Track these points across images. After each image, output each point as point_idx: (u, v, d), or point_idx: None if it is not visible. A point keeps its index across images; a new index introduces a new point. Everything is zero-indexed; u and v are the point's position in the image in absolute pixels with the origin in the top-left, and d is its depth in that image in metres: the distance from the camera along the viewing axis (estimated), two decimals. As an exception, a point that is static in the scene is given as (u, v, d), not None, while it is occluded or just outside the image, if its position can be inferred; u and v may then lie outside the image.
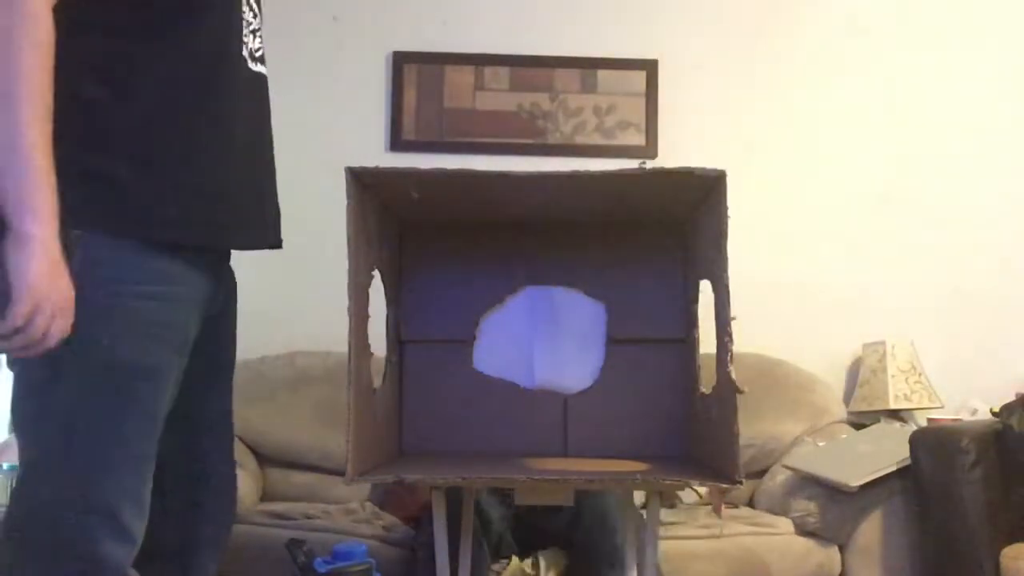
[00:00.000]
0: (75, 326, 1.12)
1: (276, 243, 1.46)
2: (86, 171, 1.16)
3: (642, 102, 3.25)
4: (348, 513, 2.46)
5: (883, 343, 3.01)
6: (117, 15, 1.19)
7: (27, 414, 1.18)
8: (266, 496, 2.77)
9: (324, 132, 3.14)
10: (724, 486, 1.28)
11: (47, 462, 1.17)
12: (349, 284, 1.34)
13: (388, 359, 1.62)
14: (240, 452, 2.76)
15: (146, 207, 1.19)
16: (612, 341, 1.62)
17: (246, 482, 2.65)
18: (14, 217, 1.06)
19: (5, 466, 2.68)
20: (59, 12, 1.12)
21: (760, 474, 2.77)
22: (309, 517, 2.40)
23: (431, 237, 1.66)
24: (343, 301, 1.33)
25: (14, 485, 1.19)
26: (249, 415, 2.86)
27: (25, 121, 1.04)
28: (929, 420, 2.80)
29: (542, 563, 2.13)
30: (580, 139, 3.23)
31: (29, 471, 1.18)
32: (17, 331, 1.09)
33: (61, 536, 1.14)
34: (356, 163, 1.36)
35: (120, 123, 1.18)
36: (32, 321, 1.08)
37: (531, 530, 2.22)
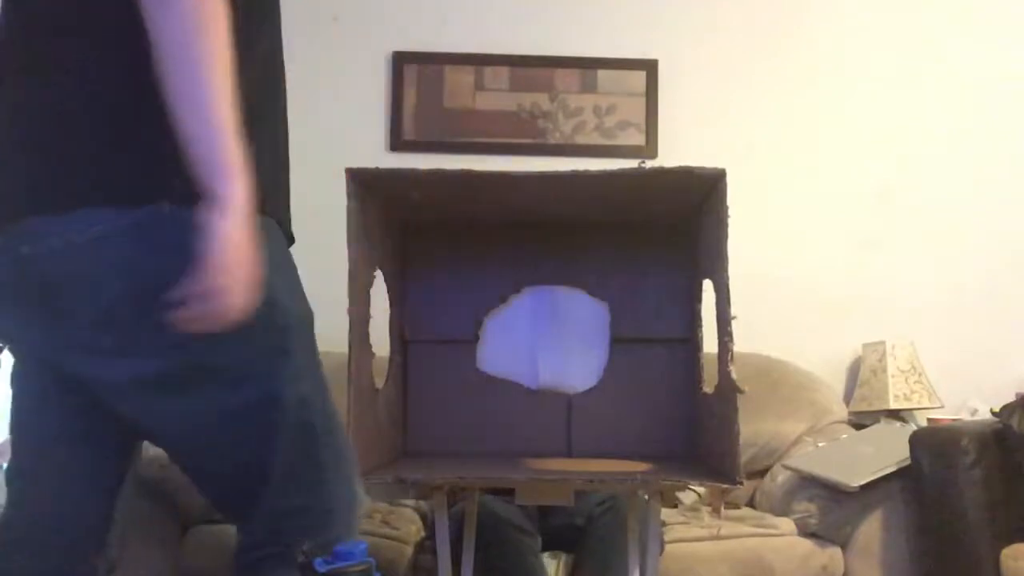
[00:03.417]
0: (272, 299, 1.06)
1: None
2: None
3: (642, 102, 3.25)
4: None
5: (883, 343, 3.01)
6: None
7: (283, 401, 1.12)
8: (266, 496, 2.76)
9: (324, 132, 3.14)
10: (725, 486, 1.28)
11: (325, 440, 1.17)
12: (350, 285, 1.34)
13: (392, 359, 1.62)
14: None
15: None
16: (615, 340, 1.62)
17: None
18: (216, 182, 0.98)
19: (5, 466, 2.68)
20: None
21: (761, 474, 2.77)
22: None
23: (433, 237, 1.66)
24: (344, 302, 1.34)
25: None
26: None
27: (223, 97, 0.98)
28: (929, 420, 2.80)
29: (547, 565, 2.13)
30: (580, 139, 3.23)
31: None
32: (203, 296, 0.97)
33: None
34: (356, 163, 1.36)
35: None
36: (222, 289, 0.97)
37: (540, 532, 2.22)
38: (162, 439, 1.17)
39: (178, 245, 0.98)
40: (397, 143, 3.21)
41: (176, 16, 0.96)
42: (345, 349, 1.38)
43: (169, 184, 1.01)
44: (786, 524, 2.39)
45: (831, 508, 2.35)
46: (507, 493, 2.21)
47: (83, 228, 1.01)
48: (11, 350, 1.19)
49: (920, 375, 2.98)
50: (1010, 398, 2.42)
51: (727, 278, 1.32)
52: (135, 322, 1.03)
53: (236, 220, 0.97)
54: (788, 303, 3.15)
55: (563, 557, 2.15)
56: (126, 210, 1.02)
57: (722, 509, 2.42)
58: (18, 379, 1.21)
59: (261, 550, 1.19)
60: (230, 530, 2.38)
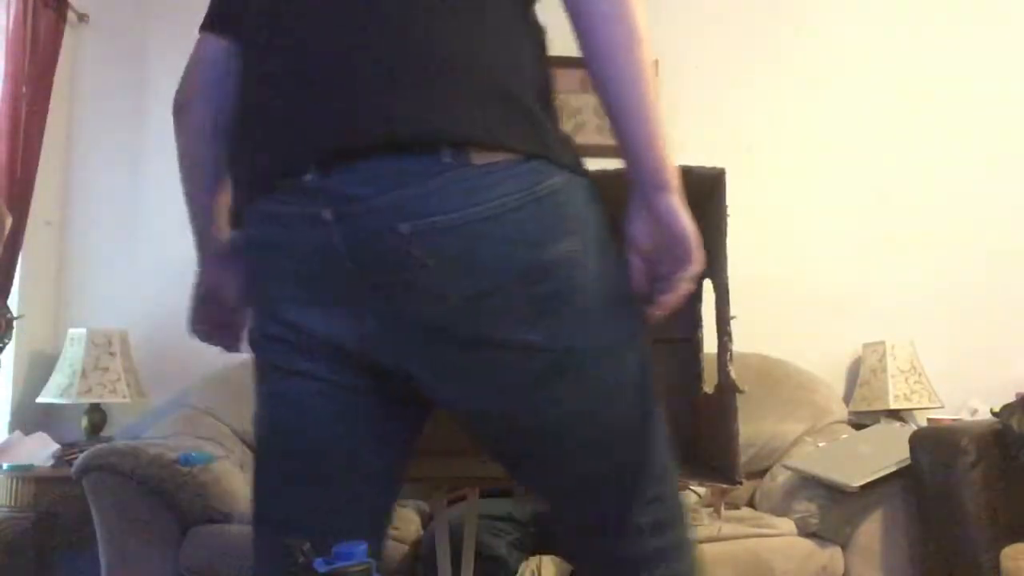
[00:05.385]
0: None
1: None
2: None
3: (642, 102, 3.25)
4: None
5: (883, 343, 3.01)
6: None
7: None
8: (266, 496, 2.76)
9: (324, 132, 3.14)
10: (725, 486, 1.28)
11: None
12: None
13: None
14: (240, 452, 2.76)
15: None
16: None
17: (246, 482, 2.65)
18: (667, 170, 1.02)
19: (5, 466, 2.68)
20: None
21: (761, 474, 2.77)
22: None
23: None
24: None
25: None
26: (251, 415, 2.86)
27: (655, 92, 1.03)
28: (929, 420, 2.80)
29: (543, 568, 2.13)
30: (580, 139, 3.20)
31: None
32: (683, 276, 1.01)
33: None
34: (357, 163, 1.35)
35: None
36: (695, 268, 1.01)
37: (539, 534, 2.22)
38: (547, 434, 1.01)
39: (587, 217, 0.98)
40: (397, 143, 3.20)
41: (624, 31, 1.01)
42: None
43: (562, 151, 0.99)
44: (786, 524, 2.39)
45: (831, 508, 2.35)
46: (506, 494, 2.21)
47: (486, 193, 0.92)
48: (275, 343, 1.02)
49: (920, 375, 2.98)
50: (1010, 398, 2.42)
51: (727, 278, 1.32)
52: (561, 302, 0.96)
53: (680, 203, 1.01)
54: (788, 303, 3.15)
55: (560, 564, 2.15)
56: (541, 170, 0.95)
57: (722, 509, 2.43)
58: (283, 380, 1.04)
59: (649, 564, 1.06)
60: (231, 530, 2.40)
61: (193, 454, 2.43)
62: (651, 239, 1.02)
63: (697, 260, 1.01)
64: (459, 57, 0.95)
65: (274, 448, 1.07)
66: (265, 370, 1.06)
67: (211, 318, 1.21)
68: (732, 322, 1.30)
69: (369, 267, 0.93)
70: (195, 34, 1.19)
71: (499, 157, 0.92)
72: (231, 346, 1.22)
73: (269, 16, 1.02)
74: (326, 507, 1.04)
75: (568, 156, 0.99)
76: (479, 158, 0.92)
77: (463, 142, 0.91)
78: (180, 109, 1.18)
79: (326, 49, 0.96)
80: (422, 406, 1.08)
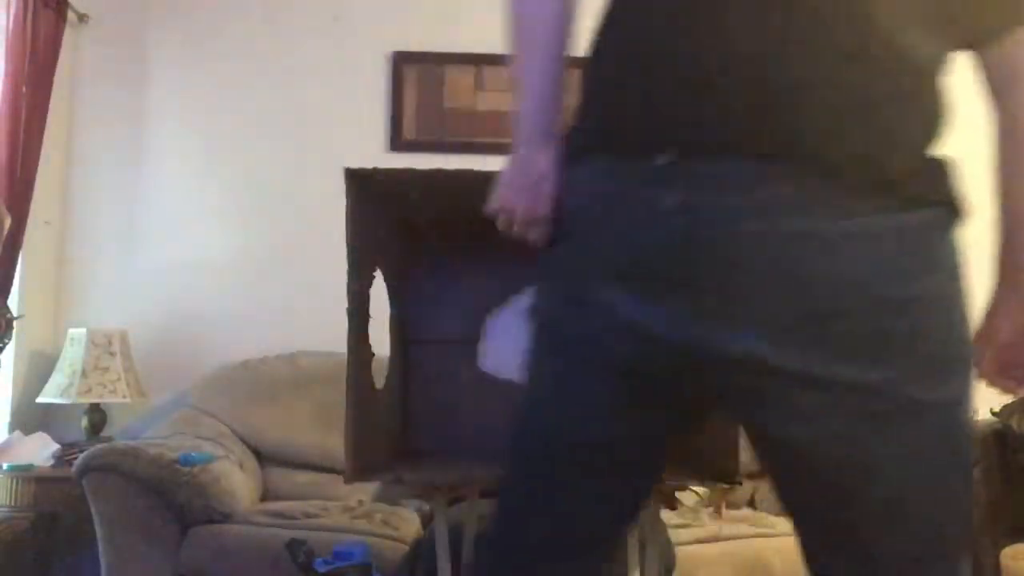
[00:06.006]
0: None
1: None
2: None
3: (642, 102, 3.26)
4: (346, 510, 2.46)
5: (883, 343, 3.00)
6: None
7: None
8: (266, 496, 2.77)
9: (324, 132, 3.14)
10: (724, 486, 1.28)
11: None
12: (349, 285, 1.35)
13: (392, 359, 1.62)
14: (240, 452, 2.76)
15: None
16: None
17: (246, 482, 2.66)
18: None
19: (5, 466, 2.68)
20: None
21: (761, 474, 2.76)
22: (309, 516, 2.40)
23: (433, 237, 1.66)
24: (343, 302, 1.34)
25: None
26: (251, 415, 2.86)
27: None
28: (929, 420, 2.79)
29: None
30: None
31: None
32: None
33: None
34: (356, 163, 1.36)
35: None
36: None
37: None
38: (860, 488, 0.93)
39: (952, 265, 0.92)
40: (397, 143, 3.21)
41: None
42: (345, 349, 1.38)
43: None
44: (786, 524, 2.38)
45: (831, 508, 2.35)
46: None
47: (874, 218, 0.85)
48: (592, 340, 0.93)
49: (920, 375, 2.98)
50: (1010, 398, 2.42)
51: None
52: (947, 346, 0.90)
53: None
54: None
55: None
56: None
57: (723, 509, 2.43)
58: (566, 365, 0.96)
59: None
60: (231, 530, 2.41)
61: (193, 454, 2.43)
62: (1016, 330, 1.02)
63: None
64: (897, 98, 0.88)
65: (536, 429, 1.00)
66: (547, 347, 0.98)
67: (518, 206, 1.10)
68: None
69: (704, 264, 0.86)
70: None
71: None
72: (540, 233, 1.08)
73: None
74: (578, 497, 0.99)
75: (945, 187, 0.91)
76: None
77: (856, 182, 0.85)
78: None
79: (769, 37, 0.86)
80: (695, 419, 1.03)
